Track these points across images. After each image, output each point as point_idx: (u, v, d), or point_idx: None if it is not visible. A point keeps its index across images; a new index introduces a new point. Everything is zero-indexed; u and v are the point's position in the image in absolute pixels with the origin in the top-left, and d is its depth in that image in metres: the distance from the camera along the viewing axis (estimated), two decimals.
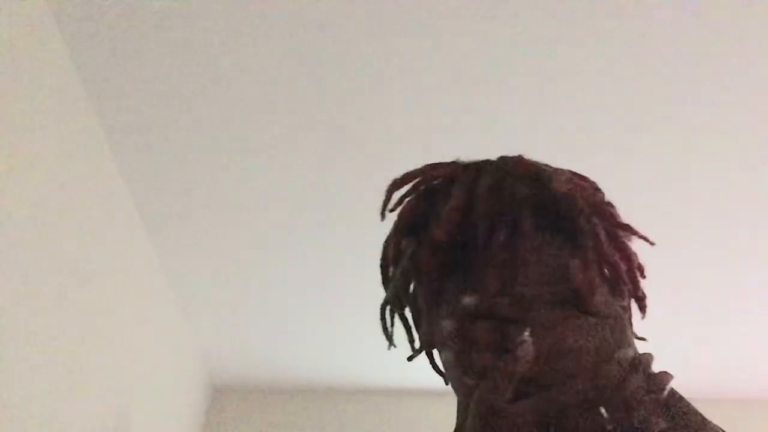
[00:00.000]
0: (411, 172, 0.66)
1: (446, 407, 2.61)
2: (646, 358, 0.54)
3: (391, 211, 0.67)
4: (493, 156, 0.65)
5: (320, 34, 1.36)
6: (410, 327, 0.67)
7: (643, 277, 0.65)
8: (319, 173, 1.69)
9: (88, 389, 1.57)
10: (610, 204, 0.63)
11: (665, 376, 0.53)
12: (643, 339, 0.66)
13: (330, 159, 1.65)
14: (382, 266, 0.68)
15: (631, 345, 0.55)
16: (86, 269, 1.55)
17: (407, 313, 0.67)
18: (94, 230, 1.59)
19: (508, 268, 0.56)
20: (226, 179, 1.72)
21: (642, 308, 0.65)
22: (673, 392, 0.53)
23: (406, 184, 0.66)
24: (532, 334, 0.52)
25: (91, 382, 1.59)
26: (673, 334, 2.34)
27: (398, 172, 1.69)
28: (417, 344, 0.67)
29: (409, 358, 0.68)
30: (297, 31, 1.36)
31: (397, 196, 0.67)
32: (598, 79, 1.45)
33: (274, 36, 1.36)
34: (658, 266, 2.01)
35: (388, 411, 2.59)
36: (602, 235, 0.58)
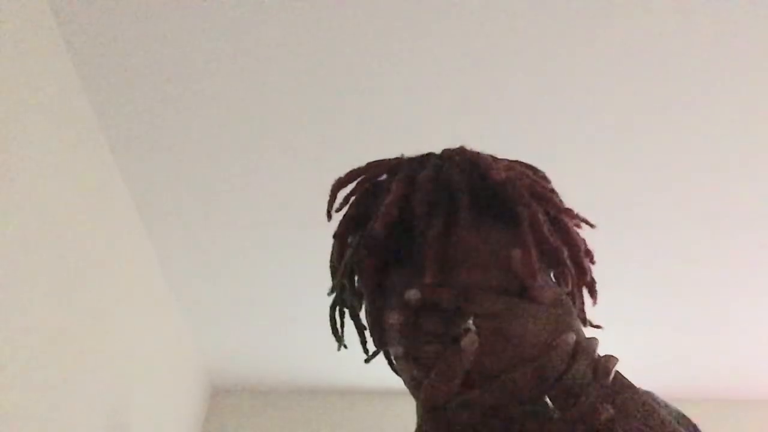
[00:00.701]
0: (355, 170, 0.66)
1: None
2: (590, 343, 0.52)
3: (338, 210, 0.66)
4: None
5: (320, 35, 1.36)
6: (362, 327, 0.66)
7: (592, 262, 0.64)
8: (319, 173, 1.69)
9: (88, 390, 1.57)
10: (552, 190, 0.62)
11: (610, 361, 0.51)
12: (598, 327, 0.65)
13: (330, 159, 1.65)
14: (330, 266, 0.67)
15: (574, 330, 0.53)
16: (85, 270, 1.55)
17: (359, 312, 0.66)
18: (93, 231, 1.59)
19: (446, 257, 0.55)
20: (226, 179, 1.72)
21: (592, 294, 0.64)
22: (617, 377, 0.51)
23: (351, 182, 0.66)
24: (475, 323, 0.51)
25: (91, 382, 1.59)
26: (673, 334, 2.34)
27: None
28: (370, 345, 0.66)
29: (366, 360, 0.67)
30: (296, 32, 1.36)
31: (342, 195, 0.67)
32: (597, 80, 1.45)
33: (274, 37, 1.36)
34: (658, 267, 2.01)
35: (388, 412, 2.59)
36: (542, 221, 0.57)
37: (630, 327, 2.27)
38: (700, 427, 0.58)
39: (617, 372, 0.51)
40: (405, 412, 2.60)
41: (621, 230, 1.86)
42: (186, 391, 2.44)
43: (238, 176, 1.71)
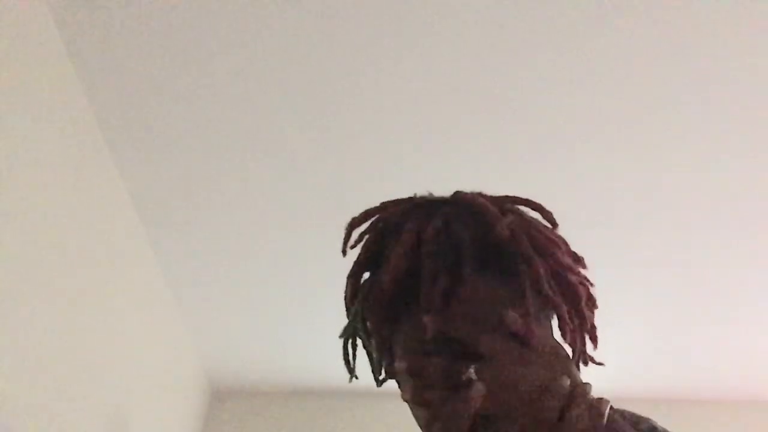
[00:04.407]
0: (369, 210, 0.69)
1: None
2: (585, 388, 0.55)
3: (352, 248, 0.70)
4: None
5: (320, 35, 1.36)
6: (374, 360, 0.71)
7: (595, 308, 0.67)
8: (319, 174, 1.69)
9: (88, 392, 1.57)
10: (555, 243, 0.65)
11: (602, 403, 0.54)
12: (600, 364, 0.68)
13: (331, 159, 1.65)
14: (345, 301, 0.71)
15: (569, 375, 0.56)
16: (84, 271, 1.55)
17: (370, 345, 0.71)
18: (92, 231, 1.59)
19: (449, 307, 0.58)
20: (226, 180, 1.72)
21: (592, 339, 0.67)
22: (611, 418, 0.54)
23: (365, 221, 0.70)
24: (477, 371, 0.54)
25: (91, 385, 1.58)
26: (673, 334, 2.34)
27: (400, 178, 1.69)
28: (381, 376, 0.71)
29: (378, 385, 0.73)
30: (297, 32, 1.36)
31: (357, 233, 0.70)
32: (601, 79, 1.45)
33: (274, 37, 1.36)
34: (657, 267, 2.01)
35: (388, 413, 2.59)
36: (543, 277, 0.60)
37: (627, 328, 2.27)
38: (696, 429, 0.61)
39: (610, 413, 0.54)
40: (404, 414, 2.59)
41: (620, 230, 1.86)
42: (186, 392, 2.44)
43: (238, 177, 1.71)
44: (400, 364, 0.60)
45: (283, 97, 1.49)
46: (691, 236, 1.89)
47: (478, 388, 0.53)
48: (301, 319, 2.28)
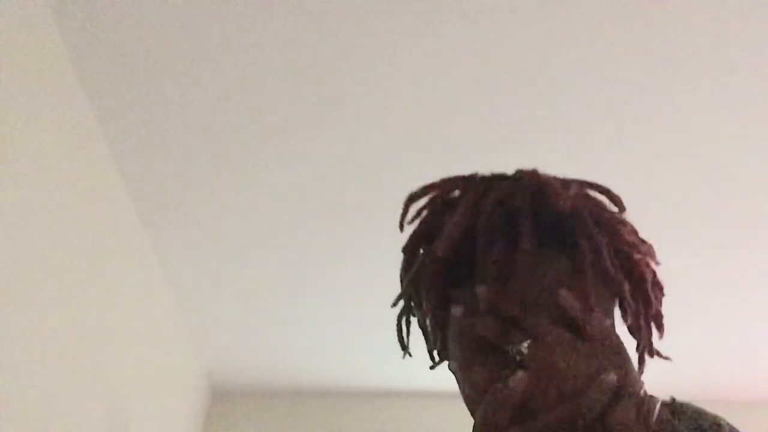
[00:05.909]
0: (429, 185, 0.68)
1: (445, 409, 2.60)
2: (636, 384, 0.52)
3: (409, 223, 0.68)
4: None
5: (321, 34, 1.36)
6: (428, 336, 0.68)
7: (662, 294, 0.63)
8: (320, 173, 1.69)
9: (88, 392, 1.57)
10: (619, 220, 0.62)
11: (653, 401, 0.51)
12: (667, 358, 0.64)
13: (331, 158, 1.65)
14: (400, 274, 0.69)
15: (619, 369, 0.53)
16: (85, 272, 1.55)
17: (424, 321, 0.68)
18: (92, 232, 1.59)
19: (503, 283, 0.56)
20: (227, 179, 1.72)
21: (658, 327, 0.63)
22: (660, 418, 0.51)
23: (424, 196, 0.68)
24: (529, 348, 0.52)
25: (91, 384, 1.58)
26: (672, 334, 2.34)
27: (400, 175, 1.68)
28: (436, 355, 0.68)
29: (432, 367, 0.69)
30: (298, 31, 1.36)
31: (414, 208, 0.68)
32: (599, 81, 1.45)
33: (274, 35, 1.36)
34: (656, 268, 2.01)
35: (388, 413, 2.59)
36: (605, 254, 0.57)
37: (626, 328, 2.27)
38: None
39: (659, 412, 0.51)
40: (405, 414, 2.59)
41: None
42: (186, 393, 2.44)
43: (239, 176, 1.71)
44: (452, 329, 0.58)
45: (284, 96, 1.49)
46: (690, 236, 1.89)
47: (521, 378, 0.51)
48: (302, 319, 2.28)
